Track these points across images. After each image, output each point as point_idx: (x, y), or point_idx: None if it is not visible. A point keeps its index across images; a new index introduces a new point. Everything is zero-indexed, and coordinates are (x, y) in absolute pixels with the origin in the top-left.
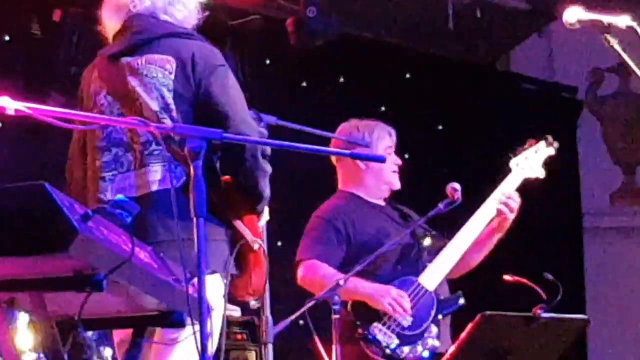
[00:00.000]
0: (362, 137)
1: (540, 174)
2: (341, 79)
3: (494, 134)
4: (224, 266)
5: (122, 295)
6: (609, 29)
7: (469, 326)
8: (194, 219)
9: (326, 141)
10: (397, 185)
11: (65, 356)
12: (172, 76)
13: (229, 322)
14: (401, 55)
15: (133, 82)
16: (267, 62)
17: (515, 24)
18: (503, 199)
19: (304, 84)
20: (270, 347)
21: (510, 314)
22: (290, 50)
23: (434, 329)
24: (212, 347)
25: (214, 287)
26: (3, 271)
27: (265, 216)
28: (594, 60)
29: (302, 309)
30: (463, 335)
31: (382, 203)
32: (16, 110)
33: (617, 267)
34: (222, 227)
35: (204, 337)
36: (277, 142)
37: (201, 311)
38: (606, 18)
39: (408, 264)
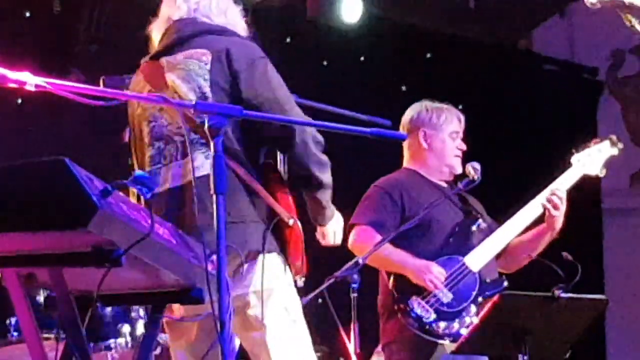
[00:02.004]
0: (429, 119)
1: (601, 172)
2: (362, 58)
3: (515, 114)
4: (260, 245)
5: (141, 271)
6: (630, 9)
7: (488, 306)
8: (214, 196)
9: (346, 119)
10: (459, 169)
11: (84, 332)
12: (208, 67)
13: None
14: (422, 35)
15: (172, 76)
16: (288, 40)
17: (536, 4)
18: (548, 195)
19: (325, 62)
20: None
21: (529, 293)
22: (311, 29)
23: (473, 309)
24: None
25: (273, 267)
26: (22, 246)
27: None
28: (615, 41)
29: (321, 287)
30: (482, 314)
31: (444, 184)
32: (36, 86)
33: (636, 248)
34: (254, 209)
35: (223, 312)
36: (299, 119)
37: (220, 288)
38: None
39: (457, 243)
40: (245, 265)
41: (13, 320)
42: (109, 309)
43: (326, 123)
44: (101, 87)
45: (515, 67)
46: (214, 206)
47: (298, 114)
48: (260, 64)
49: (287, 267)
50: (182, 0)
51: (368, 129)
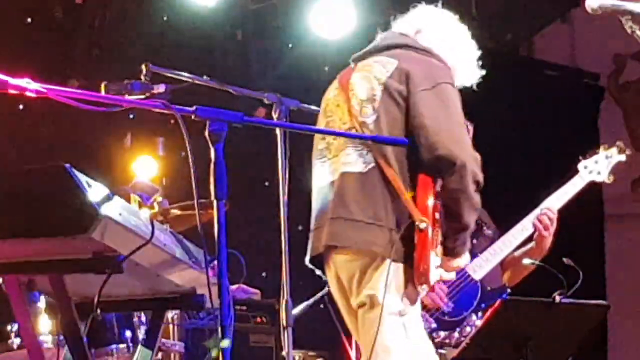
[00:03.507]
0: None
1: (608, 179)
2: None
3: (516, 119)
4: (389, 252)
5: (142, 277)
6: (631, 15)
7: (490, 311)
8: (216, 200)
9: None
10: None
11: (85, 338)
12: (388, 73)
13: (248, 305)
14: None
15: (355, 75)
16: (290, 45)
17: (538, 10)
18: (539, 214)
19: (326, 68)
20: (289, 330)
21: (530, 299)
22: (311, 35)
23: (474, 318)
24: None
25: (396, 276)
26: (23, 253)
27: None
28: (616, 47)
29: (321, 293)
30: (483, 320)
31: None
32: (37, 92)
33: (637, 253)
34: (392, 215)
35: (224, 318)
36: (298, 125)
37: (222, 293)
38: (629, 5)
39: None
40: (369, 269)
41: (14, 326)
42: (111, 315)
43: (326, 129)
44: (103, 93)
45: (516, 72)
46: (353, 204)
47: (465, 149)
48: (437, 90)
49: (411, 276)
50: (410, 21)
51: (369, 134)
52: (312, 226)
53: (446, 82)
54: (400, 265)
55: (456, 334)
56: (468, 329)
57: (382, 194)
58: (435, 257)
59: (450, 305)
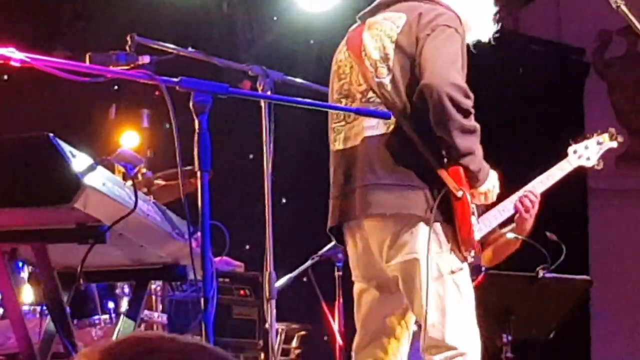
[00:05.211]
0: None
1: (597, 165)
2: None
3: (501, 94)
4: (426, 213)
5: (125, 248)
6: None
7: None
8: (200, 172)
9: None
10: None
11: (67, 308)
12: (399, 29)
13: (231, 277)
14: None
15: (366, 35)
16: (275, 18)
17: None
18: (521, 195)
19: (312, 41)
20: (273, 303)
21: (513, 273)
22: (297, 8)
23: None
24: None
25: (437, 236)
26: (6, 222)
27: (488, 186)
28: (602, 23)
29: (305, 266)
30: None
31: None
32: (21, 62)
33: (621, 229)
34: (421, 175)
35: (207, 290)
36: (282, 97)
37: (205, 265)
38: None
39: None
40: (402, 232)
41: None
42: (93, 286)
43: (313, 101)
44: (87, 64)
45: (501, 47)
46: (380, 168)
47: (443, 78)
48: (439, 32)
49: (452, 238)
50: None
51: (354, 107)
52: (333, 193)
53: (448, 26)
54: (441, 226)
55: None
56: None
57: (407, 154)
58: (474, 220)
59: None
